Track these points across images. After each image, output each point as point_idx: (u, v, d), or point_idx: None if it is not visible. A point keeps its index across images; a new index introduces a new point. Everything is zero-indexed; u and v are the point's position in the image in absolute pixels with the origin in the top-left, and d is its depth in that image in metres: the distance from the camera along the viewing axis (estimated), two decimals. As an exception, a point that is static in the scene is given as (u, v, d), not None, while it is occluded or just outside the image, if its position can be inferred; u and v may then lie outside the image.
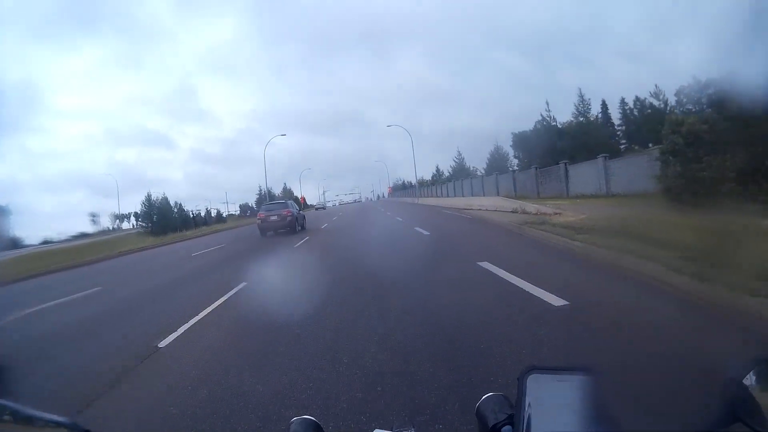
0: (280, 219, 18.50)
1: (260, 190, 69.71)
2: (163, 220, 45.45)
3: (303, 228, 19.97)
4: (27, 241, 38.29)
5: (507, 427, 0.71)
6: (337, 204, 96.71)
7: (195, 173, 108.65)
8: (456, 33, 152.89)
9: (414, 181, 64.86)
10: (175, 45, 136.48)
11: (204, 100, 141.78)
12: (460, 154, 63.22)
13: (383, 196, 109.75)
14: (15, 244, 35.05)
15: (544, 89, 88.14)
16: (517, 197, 21.33)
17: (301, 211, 21.42)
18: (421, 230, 12.84)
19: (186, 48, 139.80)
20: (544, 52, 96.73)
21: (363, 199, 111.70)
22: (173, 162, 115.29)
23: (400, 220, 19.79)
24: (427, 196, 47.48)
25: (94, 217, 60.64)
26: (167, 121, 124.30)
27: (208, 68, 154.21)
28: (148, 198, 53.59)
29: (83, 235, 50.60)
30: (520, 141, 38.95)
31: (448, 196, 40.01)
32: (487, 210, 17.25)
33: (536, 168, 26.56)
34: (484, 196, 28.02)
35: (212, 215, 72.96)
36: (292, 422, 0.79)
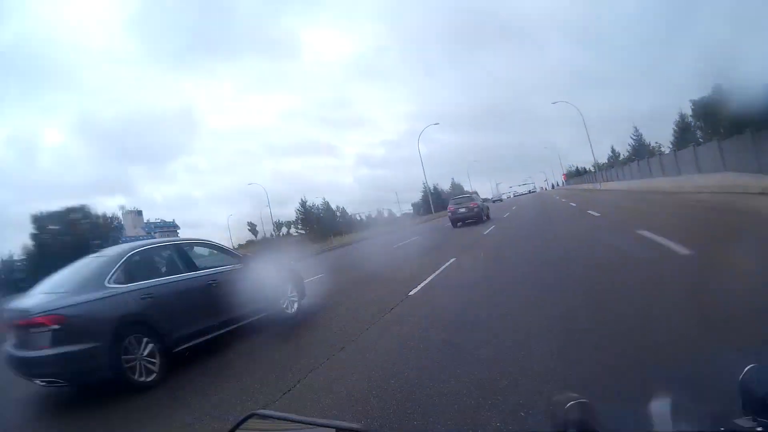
0: (467, 210, 20.25)
1: (425, 188, 69.45)
2: (322, 225, 46.65)
3: (488, 218, 21.42)
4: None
5: None
6: (512, 196, 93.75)
7: (363, 177, 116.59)
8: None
9: (590, 166, 59.03)
10: (318, 57, 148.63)
11: (360, 106, 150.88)
12: (636, 131, 57.11)
13: (558, 185, 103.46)
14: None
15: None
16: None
17: (485, 203, 23.09)
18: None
19: (330, 59, 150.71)
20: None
21: (537, 189, 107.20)
22: (339, 168, 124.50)
23: (596, 214, 13.29)
24: (607, 181, 41.50)
25: (252, 227, 63.88)
26: (327, 130, 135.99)
27: (358, 75, 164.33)
28: (303, 204, 56.87)
29: (250, 243, 56.66)
30: (702, 109, 33.37)
31: (632, 178, 32.07)
32: (715, 193, 12.63)
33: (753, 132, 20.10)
34: (698, 173, 20.56)
35: (384, 215, 75.74)
36: (568, 407, 0.72)
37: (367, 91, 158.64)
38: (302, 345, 4.98)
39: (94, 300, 4.18)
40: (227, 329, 5.27)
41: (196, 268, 5.28)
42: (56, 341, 3.86)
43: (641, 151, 49.26)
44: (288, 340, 5.28)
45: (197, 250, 5.84)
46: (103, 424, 3.65)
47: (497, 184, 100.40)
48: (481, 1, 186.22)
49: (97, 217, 61.90)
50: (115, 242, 63.06)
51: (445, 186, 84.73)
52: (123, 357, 4.13)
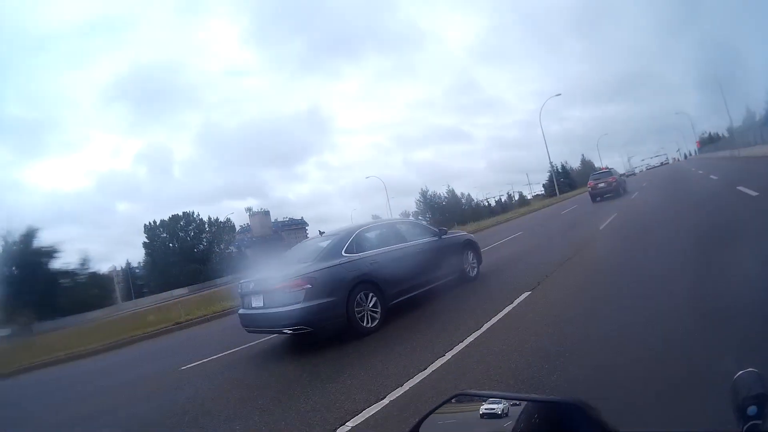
0: (606, 185, 20.85)
1: (551, 167, 67.89)
2: (445, 213, 45.85)
3: (625, 191, 21.49)
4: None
5: (752, 408, 0.69)
6: (644, 169, 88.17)
7: (496, 160, 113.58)
8: None
9: (724, 131, 51.09)
10: (440, 44, 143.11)
11: (487, 89, 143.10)
12: None
13: (690, 154, 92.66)
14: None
15: None
16: None
17: (622, 176, 22.12)
18: None
19: (452, 45, 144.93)
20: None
21: (670, 160, 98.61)
22: (471, 153, 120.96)
23: (752, 193, 9.15)
24: (746, 147, 32.39)
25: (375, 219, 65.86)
26: (456, 116, 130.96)
27: (482, 58, 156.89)
28: (424, 194, 54.79)
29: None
30: None
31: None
32: None
33: None
34: None
35: (514, 199, 74.09)
36: (739, 375, 0.74)
37: (493, 73, 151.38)
38: (489, 295, 5.66)
39: (335, 266, 5.02)
40: (427, 288, 5.96)
41: (405, 241, 6.05)
42: (308, 297, 4.66)
43: None
44: (476, 293, 6.02)
45: (405, 227, 6.73)
46: (342, 355, 4.48)
47: (629, 158, 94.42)
48: None
49: (203, 222, 64.42)
50: (229, 244, 68.63)
51: (575, 163, 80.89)
52: (355, 309, 4.87)
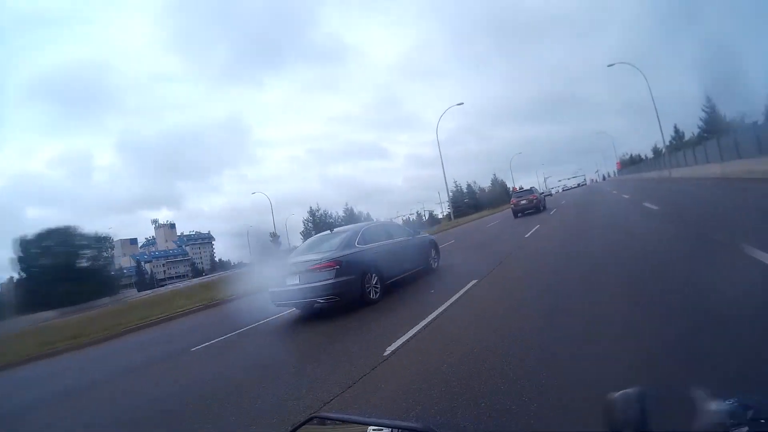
0: (528, 202, 23.99)
1: (457, 187, 67.34)
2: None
3: (545, 208, 24.97)
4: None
5: None
6: (560, 190, 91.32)
7: (412, 177, 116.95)
8: None
9: (649, 152, 55.46)
10: (363, 59, 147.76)
11: (408, 106, 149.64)
12: (709, 101, 46.66)
13: (609, 176, 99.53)
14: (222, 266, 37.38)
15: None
16: None
17: (542, 194, 26.51)
18: None
19: (375, 60, 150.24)
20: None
21: (588, 181, 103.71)
22: (389, 170, 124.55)
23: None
24: (675, 167, 32.40)
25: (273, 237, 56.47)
26: (376, 132, 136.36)
27: (404, 75, 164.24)
28: (313, 213, 51.39)
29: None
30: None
31: (707, 162, 24.58)
32: None
33: None
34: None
35: (424, 218, 73.58)
36: (616, 396, 0.70)
37: (414, 91, 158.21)
38: (451, 281, 7.75)
39: (352, 253, 7.06)
40: (408, 273, 8.30)
41: (393, 238, 8.30)
42: (337, 275, 6.65)
43: (715, 126, 39.24)
44: (440, 278, 8.27)
45: (393, 227, 9.22)
46: (354, 318, 6.37)
47: (545, 178, 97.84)
48: None
49: (83, 237, 57.94)
50: (110, 262, 61.06)
51: (485, 183, 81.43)
52: (364, 284, 6.98)
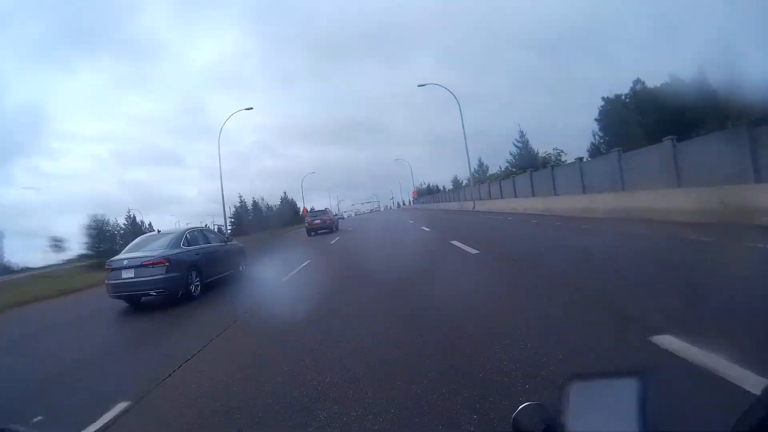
0: (322, 222, 27.16)
1: (239, 203, 63.43)
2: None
3: (338, 228, 28.37)
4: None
5: None
6: (353, 214, 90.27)
7: (207, 190, 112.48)
8: (468, 34, 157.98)
9: (445, 184, 59.89)
10: (176, 61, 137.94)
11: (211, 115, 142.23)
12: (523, 135, 46.97)
13: (405, 204, 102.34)
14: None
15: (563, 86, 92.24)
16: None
17: (336, 216, 30.90)
18: None
19: (188, 64, 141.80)
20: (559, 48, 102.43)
21: (382, 208, 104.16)
22: (186, 179, 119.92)
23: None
24: (485, 198, 31.18)
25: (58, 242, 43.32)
26: (176, 139, 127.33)
27: (213, 84, 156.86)
28: (95, 219, 37.17)
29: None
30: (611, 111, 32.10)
31: (515, 196, 25.00)
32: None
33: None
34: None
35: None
36: (519, 409, 0.80)
37: (220, 101, 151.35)
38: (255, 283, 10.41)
39: (180, 252, 9.14)
40: (224, 275, 10.61)
41: (210, 242, 10.45)
42: (166, 271, 8.62)
43: (526, 161, 39.89)
44: (249, 280, 10.74)
45: (210, 232, 11.28)
46: (172, 312, 8.24)
47: (339, 201, 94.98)
48: (348, 15, 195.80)
49: None
50: None
51: (274, 201, 77.38)
52: (189, 281, 9.03)
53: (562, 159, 33.96)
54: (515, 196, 25.18)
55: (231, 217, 53.33)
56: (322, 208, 32.25)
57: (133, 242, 10.07)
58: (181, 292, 8.73)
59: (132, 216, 53.75)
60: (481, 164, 58.85)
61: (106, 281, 9.00)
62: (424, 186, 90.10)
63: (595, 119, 36.20)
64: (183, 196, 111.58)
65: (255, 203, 62.05)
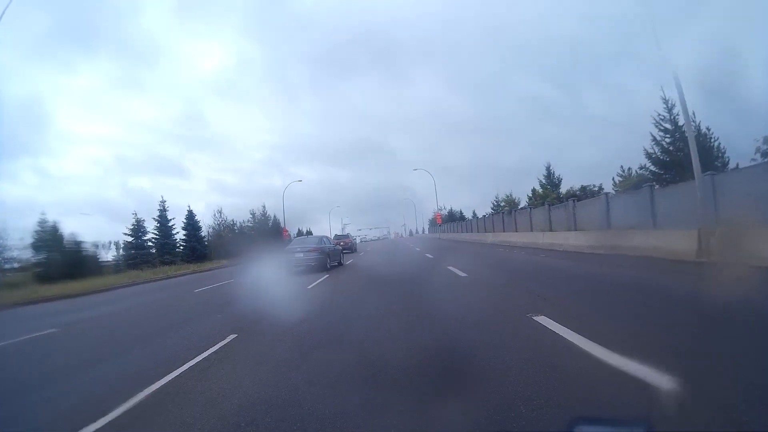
0: (345, 243, 30.77)
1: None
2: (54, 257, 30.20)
3: (356, 249, 36.76)
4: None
5: None
6: (358, 240, 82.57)
7: (215, 203, 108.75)
8: (477, 56, 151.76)
9: (469, 212, 54.47)
10: (178, 68, 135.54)
11: (215, 127, 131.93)
12: (549, 167, 42.89)
13: (418, 231, 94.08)
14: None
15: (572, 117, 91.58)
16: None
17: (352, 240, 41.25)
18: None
19: (187, 71, 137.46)
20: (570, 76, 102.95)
21: (392, 236, 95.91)
22: (190, 192, 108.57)
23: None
24: (499, 231, 31.55)
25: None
26: (178, 148, 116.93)
27: (214, 94, 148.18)
28: (43, 224, 32.37)
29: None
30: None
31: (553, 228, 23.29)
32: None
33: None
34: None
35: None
36: None
37: (223, 112, 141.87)
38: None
39: (321, 247, 18.22)
40: (336, 262, 19.56)
41: (329, 244, 19.62)
42: (318, 255, 17.70)
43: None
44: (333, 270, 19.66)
45: (326, 239, 20.36)
46: (320, 275, 17.11)
47: (344, 225, 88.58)
48: (352, 28, 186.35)
49: None
50: None
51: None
52: (326, 261, 18.06)
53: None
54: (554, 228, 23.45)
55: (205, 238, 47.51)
56: (339, 232, 44.09)
57: (296, 239, 19.65)
58: (325, 266, 17.56)
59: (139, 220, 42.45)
60: (498, 201, 53.94)
61: (286, 258, 18.05)
62: (444, 211, 73.95)
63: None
64: (194, 209, 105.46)
65: (232, 223, 54.15)
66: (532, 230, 25.65)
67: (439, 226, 56.41)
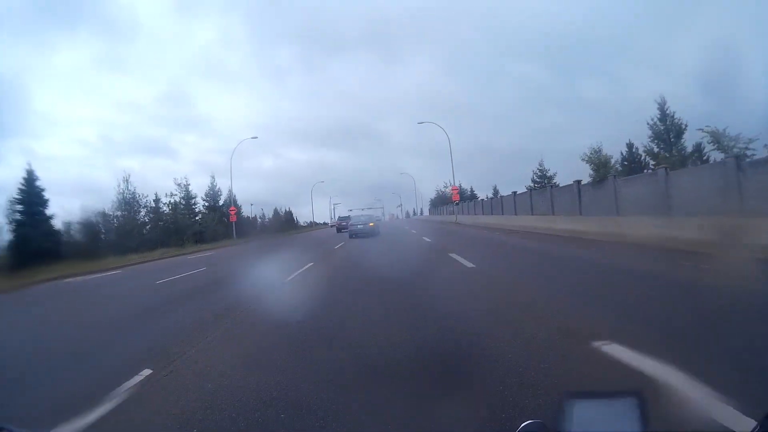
0: (364, 226, 28.91)
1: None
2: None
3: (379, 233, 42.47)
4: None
5: None
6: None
7: (204, 185, 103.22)
8: (472, 39, 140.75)
9: (485, 193, 47.26)
10: (156, 43, 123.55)
11: (200, 107, 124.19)
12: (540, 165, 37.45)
13: (415, 213, 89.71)
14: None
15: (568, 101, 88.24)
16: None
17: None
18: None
19: (170, 48, 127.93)
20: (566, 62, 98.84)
21: (386, 217, 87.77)
22: (177, 173, 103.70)
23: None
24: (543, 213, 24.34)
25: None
26: (165, 129, 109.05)
27: (199, 73, 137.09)
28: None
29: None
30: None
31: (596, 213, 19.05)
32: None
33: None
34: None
35: None
36: (521, 427, 0.84)
37: (209, 92, 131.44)
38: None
39: (378, 219, 28.22)
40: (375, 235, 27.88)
41: (378, 219, 28.66)
42: (373, 227, 26.63)
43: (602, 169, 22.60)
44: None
45: (376, 213, 29.32)
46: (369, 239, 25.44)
47: (334, 205, 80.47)
48: (345, 9, 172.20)
49: None
50: None
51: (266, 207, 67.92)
52: (378, 231, 26.72)
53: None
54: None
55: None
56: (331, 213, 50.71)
57: (355, 215, 28.43)
58: (377, 234, 25.85)
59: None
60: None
61: (349, 228, 26.47)
62: (448, 189, 57.70)
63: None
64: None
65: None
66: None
67: (456, 204, 44.83)
